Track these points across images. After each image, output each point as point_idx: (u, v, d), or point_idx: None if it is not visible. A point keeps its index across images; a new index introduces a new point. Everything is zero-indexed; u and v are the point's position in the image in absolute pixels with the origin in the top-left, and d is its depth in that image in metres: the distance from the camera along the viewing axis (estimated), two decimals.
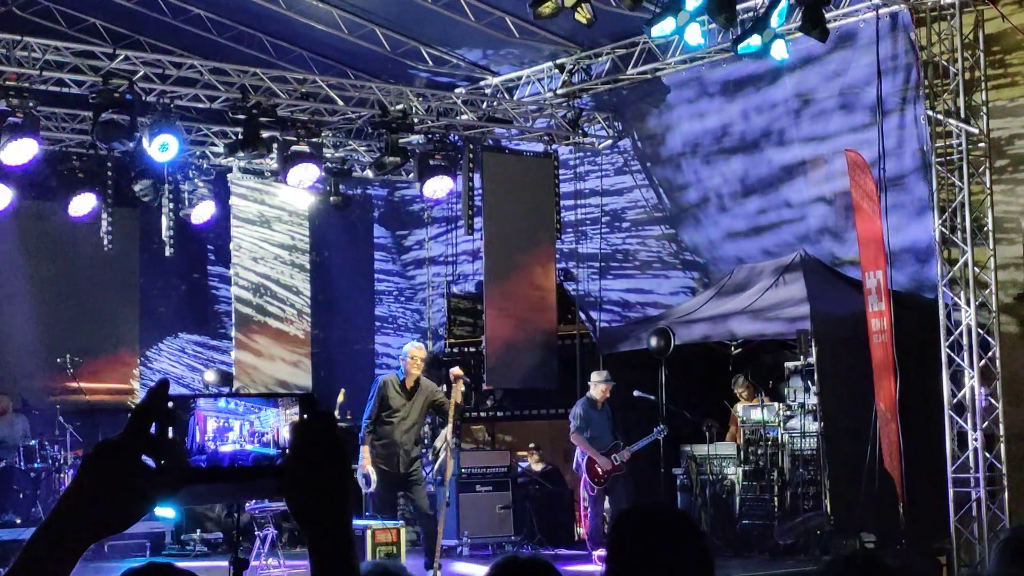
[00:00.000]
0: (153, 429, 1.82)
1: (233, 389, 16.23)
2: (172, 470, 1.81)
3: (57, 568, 1.74)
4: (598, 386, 14.06)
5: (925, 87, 12.76)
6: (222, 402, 1.93)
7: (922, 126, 12.91)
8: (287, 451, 1.87)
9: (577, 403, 14.21)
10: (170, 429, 1.84)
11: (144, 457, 1.80)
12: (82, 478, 1.78)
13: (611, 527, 3.11)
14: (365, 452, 12.15)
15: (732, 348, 15.16)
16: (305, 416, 1.89)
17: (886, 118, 13.11)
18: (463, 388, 12.02)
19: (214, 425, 1.90)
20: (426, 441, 16.19)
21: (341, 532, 1.83)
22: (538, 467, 16.29)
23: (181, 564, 2.36)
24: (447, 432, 12.12)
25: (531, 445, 16.45)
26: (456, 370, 12.13)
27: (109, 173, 15.50)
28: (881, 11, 12.88)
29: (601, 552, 12.25)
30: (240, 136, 14.77)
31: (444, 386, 12.54)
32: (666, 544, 3.02)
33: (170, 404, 1.84)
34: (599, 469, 13.80)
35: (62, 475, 14.78)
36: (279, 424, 1.91)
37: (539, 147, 16.88)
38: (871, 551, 12.05)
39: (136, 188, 15.77)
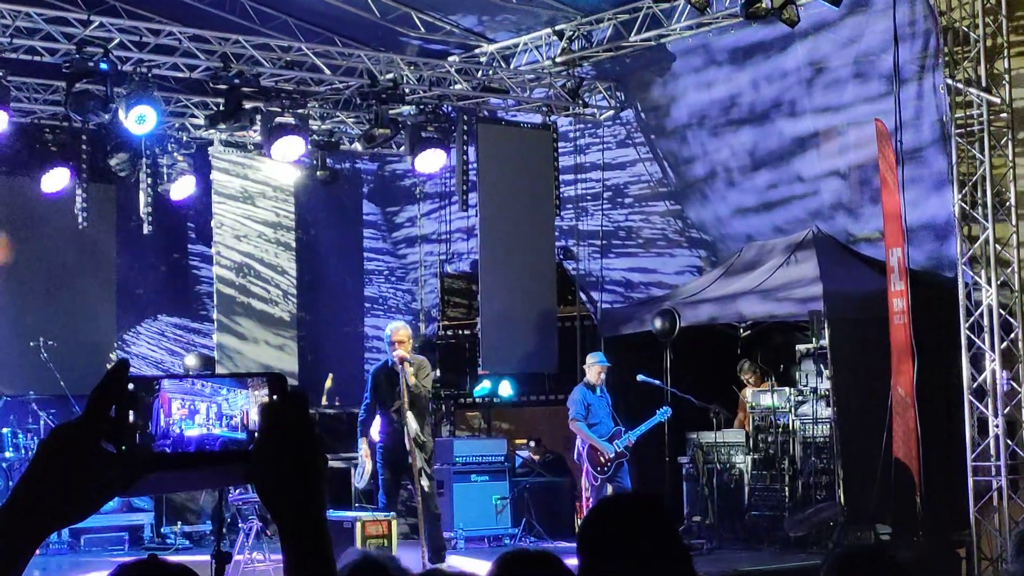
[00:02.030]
0: (113, 412, 1.80)
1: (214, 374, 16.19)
2: (134, 456, 1.79)
3: (12, 559, 1.72)
4: (592, 368, 14.05)
5: (944, 54, 12.71)
6: (188, 383, 1.91)
7: (941, 96, 12.87)
8: (255, 435, 1.85)
9: (574, 389, 14.20)
10: (131, 412, 1.82)
11: (103, 442, 1.78)
12: (38, 465, 1.76)
13: (583, 520, 3.17)
14: (363, 445, 12.17)
15: (741, 330, 15.16)
16: (275, 397, 1.87)
17: (903, 87, 13.07)
18: (410, 370, 11.79)
19: (179, 407, 1.87)
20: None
21: (314, 522, 1.81)
22: (538, 456, 16.31)
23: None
24: (408, 423, 11.81)
25: (530, 442, 16.45)
26: (398, 353, 11.86)
27: (84, 146, 15.45)
28: None
29: None
30: (221, 107, 14.74)
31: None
32: (636, 533, 3.06)
33: (131, 386, 1.82)
34: (602, 457, 13.80)
35: None
36: (248, 406, 1.89)
37: (537, 118, 16.85)
38: (877, 543, 12.08)
39: (112, 162, 15.71)
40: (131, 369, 1.84)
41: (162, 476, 1.84)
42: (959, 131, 12.57)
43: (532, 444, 16.42)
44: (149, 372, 18.02)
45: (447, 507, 14.32)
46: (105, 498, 1.79)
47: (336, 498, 15.06)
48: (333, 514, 13.54)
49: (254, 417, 1.87)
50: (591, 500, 13.96)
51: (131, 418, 1.82)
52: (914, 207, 13.19)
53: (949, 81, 12.56)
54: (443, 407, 17.72)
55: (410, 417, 11.74)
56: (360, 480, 12.37)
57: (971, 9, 12.56)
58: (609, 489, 13.90)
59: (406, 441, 11.69)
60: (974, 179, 12.49)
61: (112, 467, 1.78)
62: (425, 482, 11.81)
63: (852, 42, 13.83)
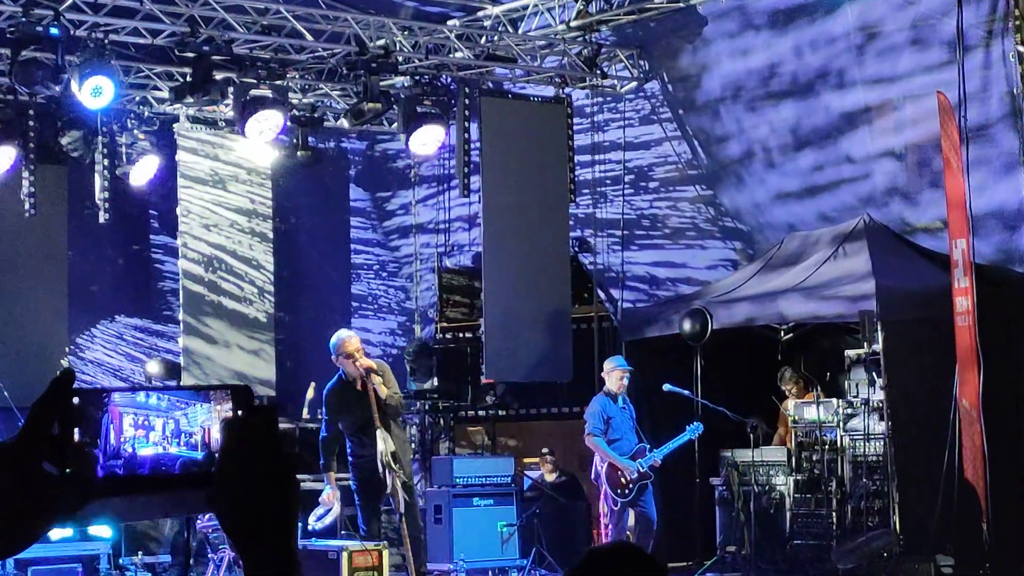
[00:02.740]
0: (56, 430, 1.78)
1: (180, 383, 16.21)
2: (79, 479, 1.77)
3: None
4: (612, 375, 14.02)
5: (1016, 17, 12.68)
6: (141, 396, 1.88)
7: (1011, 65, 12.84)
8: (216, 454, 1.83)
9: (593, 400, 14.18)
10: (76, 429, 1.80)
11: (45, 464, 1.76)
12: None
13: (575, 567, 3.25)
14: (330, 482, 12.15)
15: (782, 333, 15.13)
16: (240, 412, 1.85)
17: (968, 55, 13.05)
18: (377, 378, 11.77)
19: (132, 424, 1.85)
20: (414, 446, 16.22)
21: (281, 553, 1.79)
22: (551, 477, 16.29)
23: None
24: (382, 443, 11.82)
25: (544, 451, 16.45)
26: (364, 361, 11.81)
27: (31, 123, 15.42)
28: None
29: None
30: (188, 78, 14.72)
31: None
32: None
33: (76, 399, 1.80)
34: (623, 478, 13.78)
35: None
36: (210, 423, 1.87)
37: (549, 91, 16.83)
38: None
39: (64, 141, 15.72)
40: (78, 380, 1.82)
41: (112, 502, 1.82)
42: None
43: (547, 455, 16.36)
44: (105, 381, 18.05)
45: (445, 534, 14.31)
46: (47, 527, 1.77)
47: None
48: (316, 543, 13.55)
49: (216, 435, 1.85)
50: (610, 527, 13.96)
51: (76, 436, 1.80)
52: (980, 192, 13.16)
53: (1021, 48, 12.54)
54: (441, 421, 17.72)
55: (380, 436, 11.69)
56: (317, 522, 12.37)
57: None
58: (631, 515, 13.88)
59: (378, 463, 11.67)
60: None
61: (55, 492, 1.76)
62: (406, 496, 11.84)
63: (910, 3, 13.80)
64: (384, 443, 11.70)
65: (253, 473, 1.79)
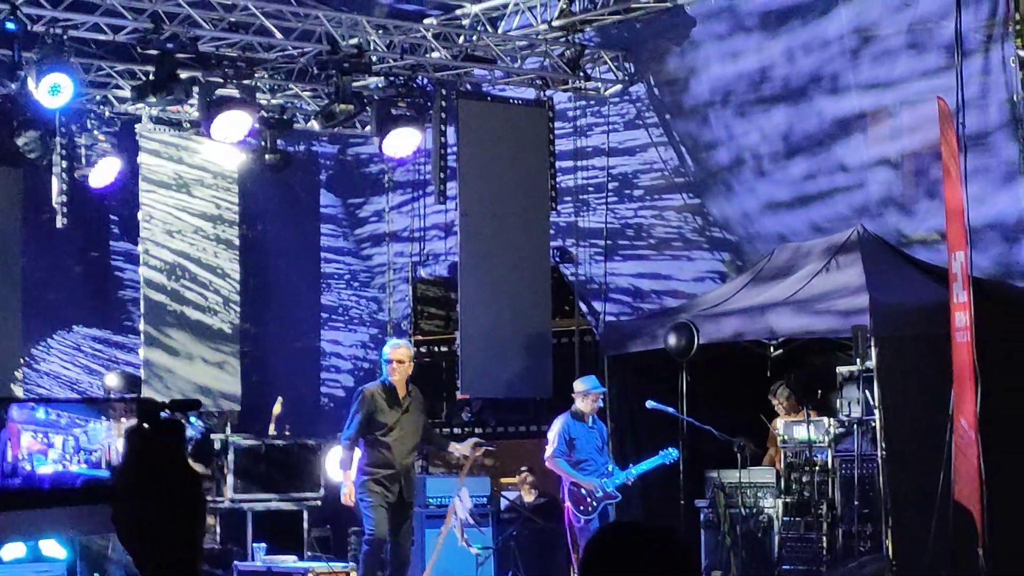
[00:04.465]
0: None
1: (140, 396, 16.13)
2: None
3: None
4: (585, 397, 14.18)
5: (1015, 21, 12.69)
6: (40, 412, 1.84)
7: (1011, 70, 12.86)
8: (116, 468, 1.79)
9: (556, 419, 14.30)
10: None
11: None
12: None
13: (584, 550, 3.21)
14: (347, 481, 12.39)
15: (771, 349, 15.10)
16: (145, 425, 1.80)
17: (966, 60, 13.05)
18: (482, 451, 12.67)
19: (31, 440, 1.80)
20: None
21: (185, 571, 1.75)
22: (530, 497, 16.26)
23: None
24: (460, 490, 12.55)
25: (523, 469, 16.42)
26: (472, 442, 13.13)
27: None
28: None
29: None
30: (151, 77, 14.68)
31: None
32: (648, 567, 3.12)
33: None
34: (586, 496, 13.94)
35: None
36: (112, 439, 1.83)
37: (530, 93, 16.83)
38: None
39: (19, 142, 15.66)
40: (33, 394, 1.77)
41: (14, 518, 1.77)
42: None
43: (527, 475, 16.34)
44: (62, 395, 17.98)
45: (418, 557, 14.27)
46: None
47: (284, 545, 15.00)
48: (282, 565, 13.53)
49: (120, 451, 1.81)
50: (580, 544, 13.99)
51: None
52: (978, 203, 13.16)
53: (1021, 53, 12.55)
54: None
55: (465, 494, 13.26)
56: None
57: None
58: None
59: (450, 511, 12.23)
60: None
61: None
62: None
63: (906, 6, 13.81)
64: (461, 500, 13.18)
65: (156, 488, 1.75)
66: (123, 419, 1.85)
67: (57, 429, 1.83)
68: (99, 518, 1.82)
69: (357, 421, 12.49)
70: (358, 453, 12.83)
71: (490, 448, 13.11)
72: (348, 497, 12.43)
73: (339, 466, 12.78)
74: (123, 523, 1.73)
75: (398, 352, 12.70)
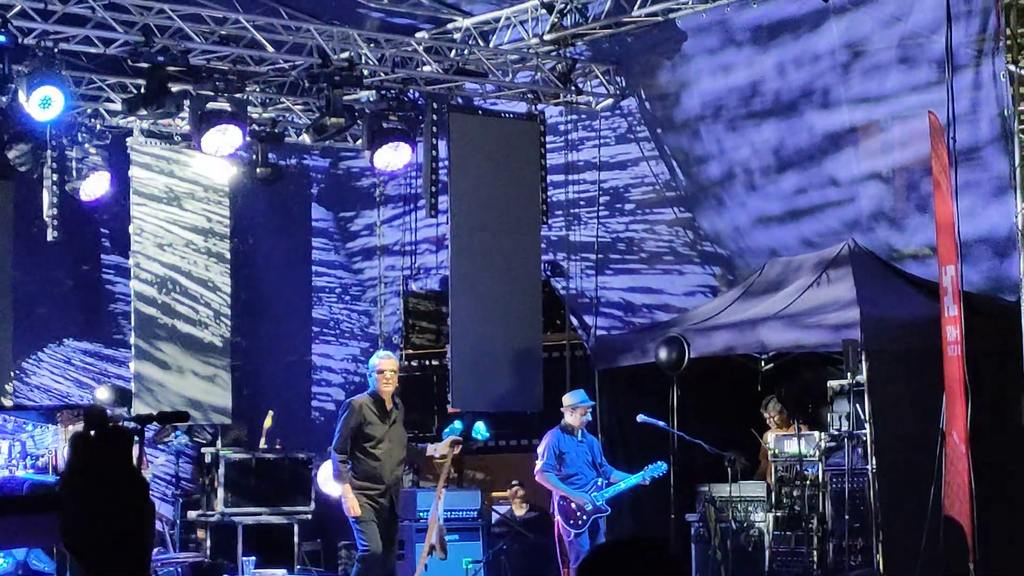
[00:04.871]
0: None
1: (132, 409, 16.14)
2: None
3: None
4: (573, 411, 14.17)
5: (1007, 36, 12.73)
6: None
7: (1002, 85, 12.88)
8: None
9: (546, 434, 14.31)
10: None
11: None
12: None
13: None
14: (348, 492, 12.31)
15: (762, 363, 15.13)
16: (92, 433, 1.82)
17: (957, 75, 13.08)
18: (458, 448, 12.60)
19: None
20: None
21: None
22: (521, 511, 16.27)
23: None
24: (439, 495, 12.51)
25: (513, 483, 16.43)
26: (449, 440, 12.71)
27: None
28: None
29: None
30: (143, 90, 14.69)
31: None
32: None
33: None
34: (576, 510, 13.92)
35: None
36: (58, 445, 1.85)
37: (521, 107, 16.84)
38: None
39: (10, 155, 15.64)
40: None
41: None
42: (1023, 127, 12.58)
43: (518, 489, 16.35)
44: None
45: (408, 571, 14.27)
46: None
47: (274, 558, 15.00)
48: None
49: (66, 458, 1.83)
50: (571, 558, 13.99)
51: None
52: (969, 217, 13.17)
53: (1012, 68, 12.57)
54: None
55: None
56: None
57: None
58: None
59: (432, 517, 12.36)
60: None
61: None
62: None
63: (897, 20, 13.85)
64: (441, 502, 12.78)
65: (102, 495, 1.75)
66: (70, 425, 1.86)
67: (3, 434, 1.84)
68: (49, 527, 1.84)
69: (348, 430, 12.46)
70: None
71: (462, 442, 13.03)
72: (354, 508, 12.32)
73: (334, 479, 12.71)
74: (69, 530, 1.74)
75: (390, 363, 12.67)
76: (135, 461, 1.89)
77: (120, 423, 1.82)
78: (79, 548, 1.75)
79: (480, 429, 13.65)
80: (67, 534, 1.74)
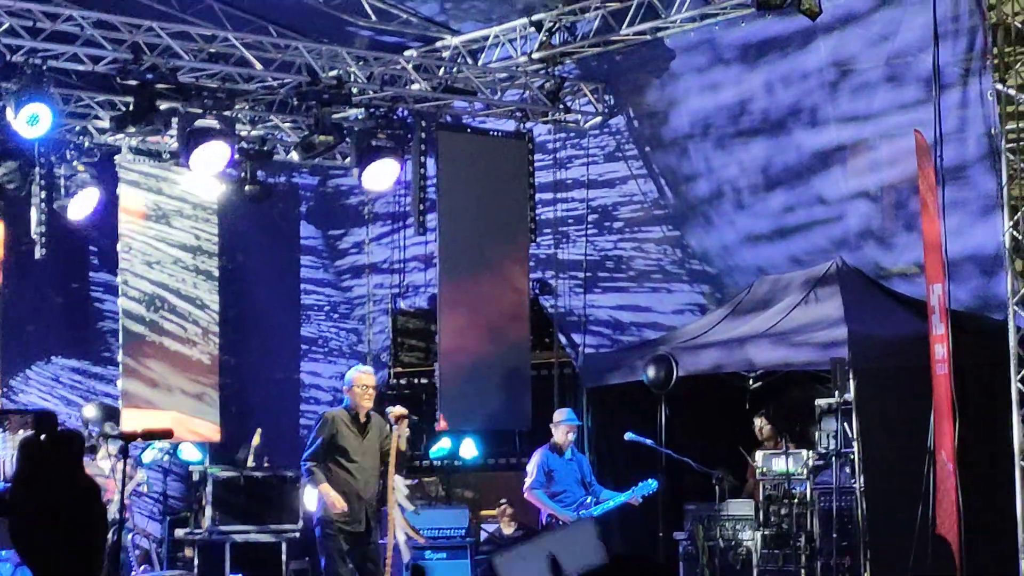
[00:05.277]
0: None
1: (118, 427, 16.11)
2: None
3: None
4: (559, 428, 14.25)
5: (994, 56, 12.77)
6: None
7: (990, 104, 12.91)
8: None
9: (535, 452, 14.33)
10: None
11: None
12: None
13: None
14: (325, 490, 12.09)
15: (750, 381, 15.14)
16: (42, 437, 1.84)
17: (944, 93, 13.12)
18: (407, 431, 12.08)
19: None
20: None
21: None
22: (509, 530, 16.26)
23: None
24: (391, 482, 12.22)
25: (502, 501, 16.41)
26: (398, 409, 12.15)
27: None
28: None
29: None
30: (131, 108, 14.67)
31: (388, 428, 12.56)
32: None
33: None
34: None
35: None
36: (6, 454, 1.87)
37: (510, 125, 16.86)
38: None
39: None
40: None
41: None
42: (1010, 146, 12.62)
43: (506, 507, 16.33)
44: None
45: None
46: None
47: None
48: None
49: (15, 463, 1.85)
50: None
51: None
52: (956, 236, 13.20)
53: (999, 87, 12.61)
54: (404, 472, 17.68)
55: (399, 481, 12.33)
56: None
57: None
58: None
59: (389, 504, 12.06)
60: None
61: None
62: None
63: (884, 39, 13.88)
64: (396, 489, 12.26)
65: (51, 499, 1.77)
66: (20, 431, 1.87)
67: None
68: None
69: (318, 443, 12.33)
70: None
71: (412, 418, 12.72)
72: (337, 503, 12.15)
73: (309, 483, 12.52)
74: (19, 534, 1.77)
75: (371, 377, 12.54)
76: (121, 477, 1.91)
77: (80, 433, 1.84)
78: (27, 552, 1.77)
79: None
80: (16, 538, 1.76)
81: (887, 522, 13.21)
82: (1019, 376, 12.40)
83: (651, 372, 14.33)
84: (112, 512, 14.78)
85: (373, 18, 15.81)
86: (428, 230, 16.36)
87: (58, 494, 1.62)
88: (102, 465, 13.63)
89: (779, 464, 14.38)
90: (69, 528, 1.60)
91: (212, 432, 17.37)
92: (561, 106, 16.38)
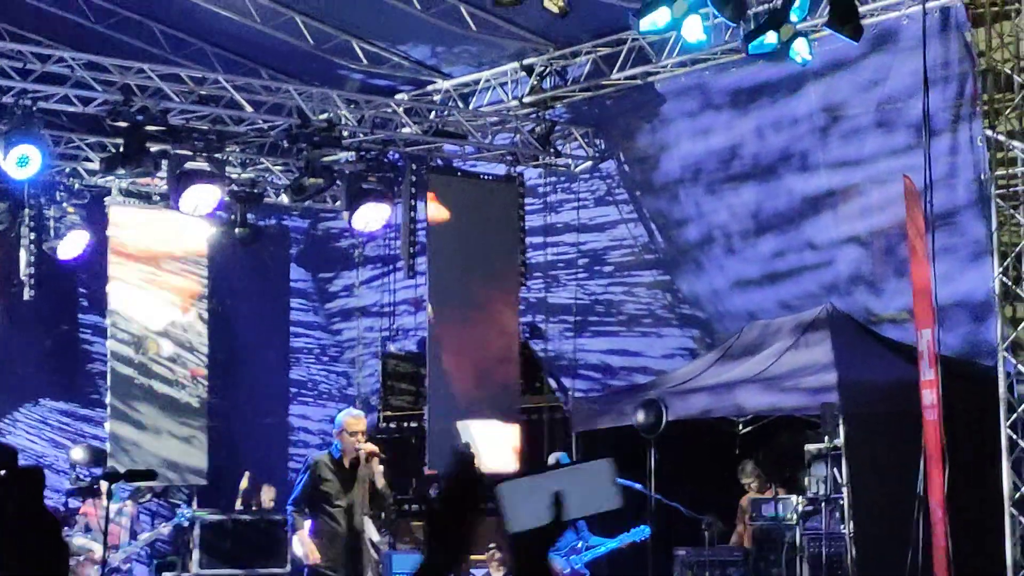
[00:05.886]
0: None
1: (107, 470, 16.05)
2: None
3: None
4: None
5: (983, 102, 12.80)
6: None
7: (979, 150, 12.95)
8: None
9: None
10: None
11: None
12: None
13: None
14: (302, 538, 11.99)
15: (740, 426, 15.12)
16: (2, 473, 1.83)
17: (934, 139, 13.13)
18: (380, 468, 11.94)
19: None
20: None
21: None
22: (498, 574, 16.19)
23: None
24: (368, 531, 12.21)
25: (491, 546, 16.34)
26: (368, 446, 12.00)
27: None
28: (929, 5, 12.93)
29: None
30: (121, 149, 14.69)
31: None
32: None
33: None
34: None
35: None
36: None
37: (501, 169, 16.89)
38: None
39: None
40: None
41: None
42: (1000, 192, 12.63)
43: (495, 552, 16.26)
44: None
45: None
46: None
47: None
48: None
49: None
50: None
51: None
52: (946, 281, 13.18)
53: (989, 133, 12.64)
54: (382, 514, 17.59)
55: (369, 524, 12.05)
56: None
57: (1015, 50, 12.67)
58: None
59: (364, 549, 11.80)
60: (1017, 249, 12.54)
61: None
62: None
63: (875, 85, 13.93)
64: (370, 529, 12.11)
65: (16, 536, 1.76)
66: None
67: None
68: None
69: (301, 488, 12.25)
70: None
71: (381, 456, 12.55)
72: (312, 554, 12.05)
73: (289, 529, 12.45)
74: None
75: (361, 421, 12.39)
76: (100, 518, 1.89)
77: (40, 468, 1.83)
78: None
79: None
80: None
81: (877, 568, 13.17)
82: (1009, 422, 12.38)
83: (641, 416, 14.29)
84: (117, 560, 14.83)
85: (364, 61, 15.87)
86: (418, 273, 16.39)
87: (17, 530, 1.59)
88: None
89: (768, 509, 14.35)
90: (29, 564, 1.58)
91: (199, 476, 17.32)
92: (552, 150, 16.41)
